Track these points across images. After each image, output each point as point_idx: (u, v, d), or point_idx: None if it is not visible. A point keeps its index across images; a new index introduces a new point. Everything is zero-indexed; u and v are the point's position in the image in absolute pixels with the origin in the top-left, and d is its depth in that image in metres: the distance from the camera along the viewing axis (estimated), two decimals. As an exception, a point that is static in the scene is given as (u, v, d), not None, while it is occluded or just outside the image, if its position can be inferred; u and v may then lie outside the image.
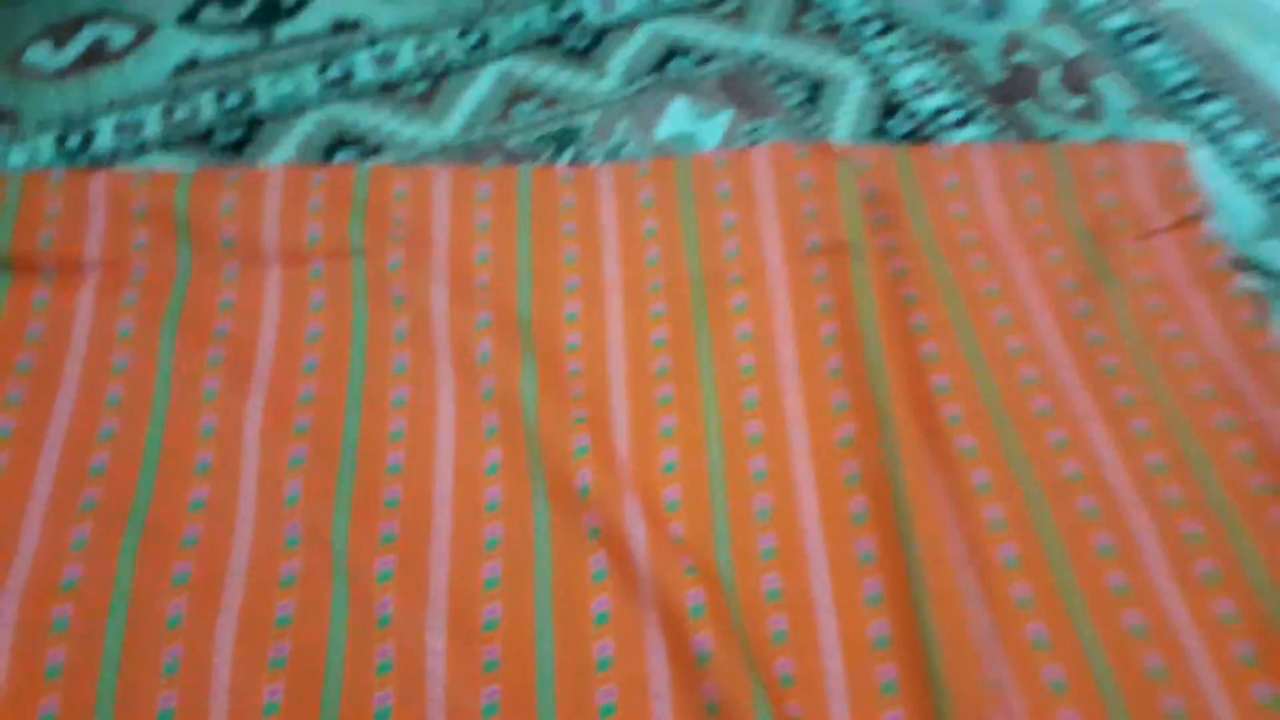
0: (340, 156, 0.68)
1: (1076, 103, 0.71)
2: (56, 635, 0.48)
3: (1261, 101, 0.70)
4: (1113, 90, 0.71)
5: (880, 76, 0.73)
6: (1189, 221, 0.63)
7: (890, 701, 0.47)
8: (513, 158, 0.68)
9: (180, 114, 0.70)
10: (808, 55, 0.74)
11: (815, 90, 0.72)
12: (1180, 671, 0.48)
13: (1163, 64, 0.73)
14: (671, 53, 0.74)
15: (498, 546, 0.51)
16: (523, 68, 0.73)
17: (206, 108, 0.70)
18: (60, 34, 0.73)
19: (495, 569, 0.51)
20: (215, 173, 0.64)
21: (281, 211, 0.62)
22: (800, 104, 0.71)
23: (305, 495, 0.52)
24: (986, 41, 0.74)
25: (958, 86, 0.72)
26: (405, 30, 0.75)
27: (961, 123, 0.70)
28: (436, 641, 0.48)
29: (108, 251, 0.60)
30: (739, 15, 0.77)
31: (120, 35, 0.74)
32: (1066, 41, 0.74)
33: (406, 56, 0.73)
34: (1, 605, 0.49)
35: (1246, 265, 0.61)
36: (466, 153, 0.68)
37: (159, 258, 0.60)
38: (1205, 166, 0.66)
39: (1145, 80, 0.72)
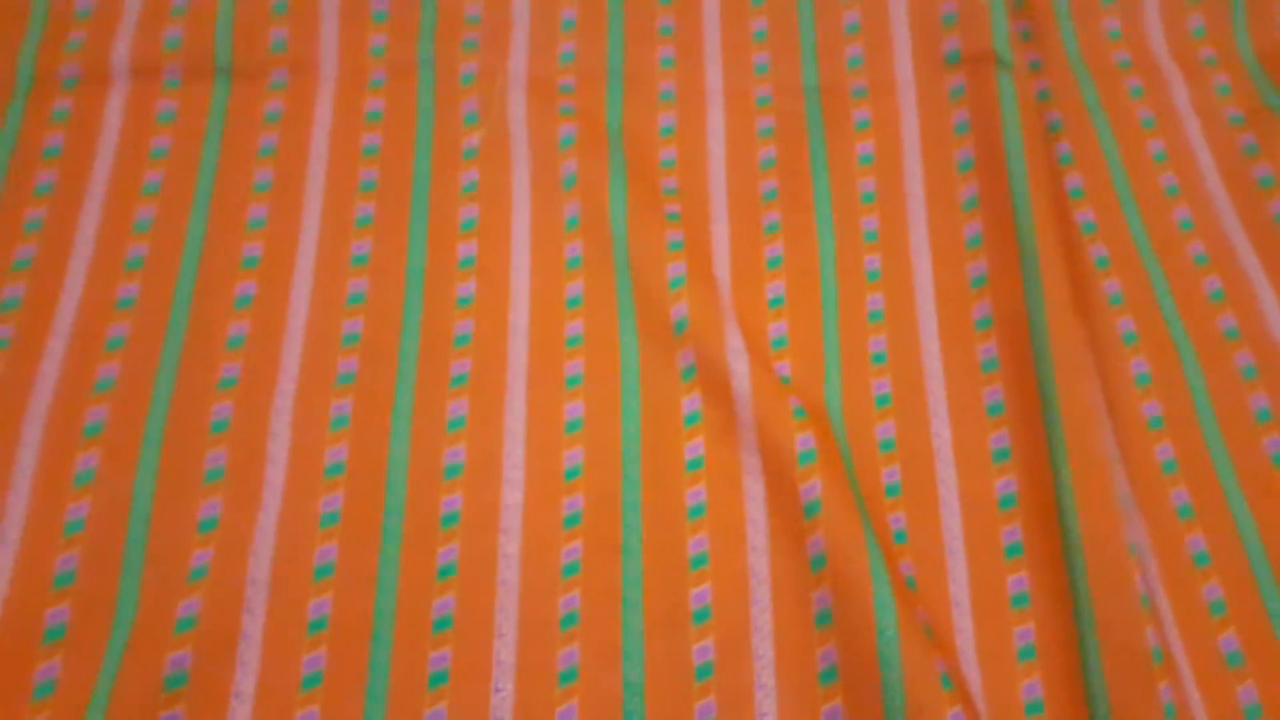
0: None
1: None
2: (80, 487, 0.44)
3: None
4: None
5: None
6: (1380, 53, 0.55)
7: (1016, 564, 0.43)
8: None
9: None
10: None
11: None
12: None
13: None
14: None
15: (579, 384, 0.46)
16: None
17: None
18: None
19: (577, 409, 0.46)
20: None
21: (341, 9, 0.55)
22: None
23: (365, 334, 0.47)
24: None
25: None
26: None
27: (1119, -74, 0.61)
28: (512, 495, 0.44)
29: (138, 52, 0.53)
30: None
31: None
32: None
33: None
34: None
35: None
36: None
37: (196, 59, 0.53)
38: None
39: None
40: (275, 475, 0.43)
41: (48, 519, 0.42)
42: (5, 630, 0.40)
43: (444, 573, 0.42)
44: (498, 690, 0.40)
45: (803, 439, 0.44)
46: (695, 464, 0.45)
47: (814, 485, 0.43)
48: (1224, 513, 0.44)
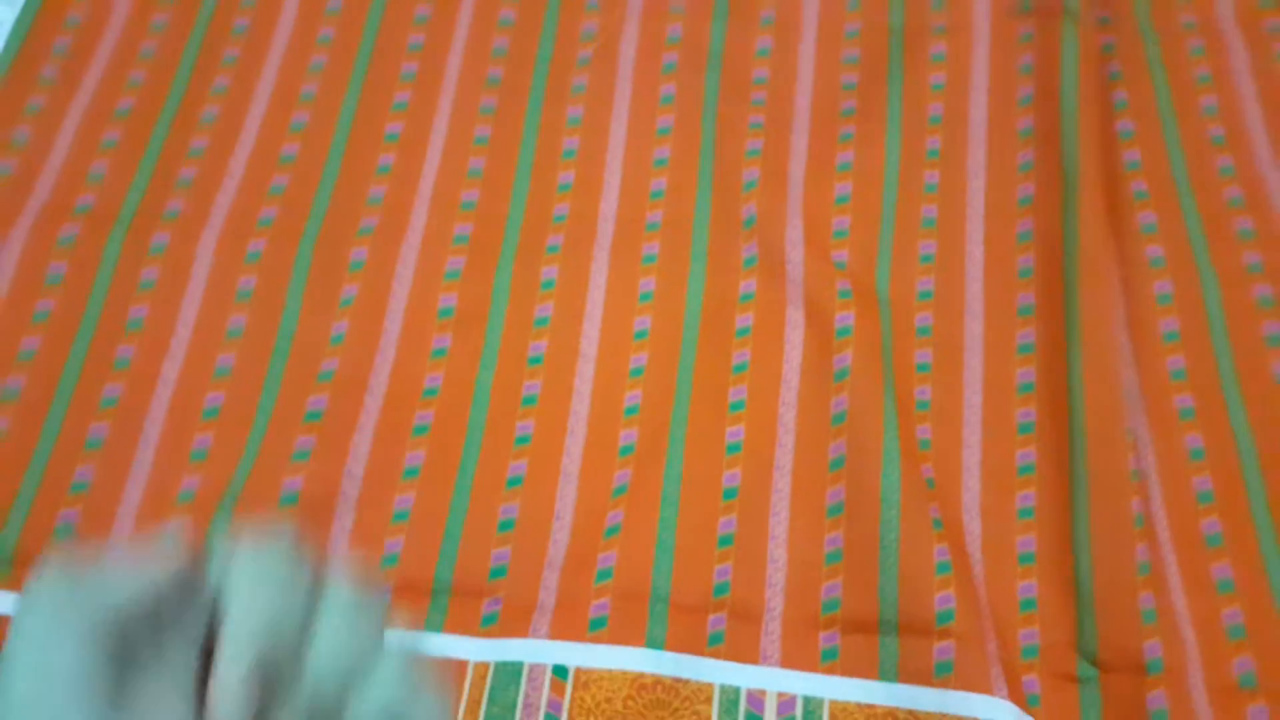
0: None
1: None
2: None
3: None
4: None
5: None
6: None
7: (1026, 439, 0.49)
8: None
9: None
10: None
11: None
12: None
13: None
14: None
15: (654, 263, 0.53)
16: None
17: None
18: None
19: (650, 284, 0.53)
20: None
21: None
22: None
23: (480, 203, 0.55)
24: None
25: None
26: None
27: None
28: (589, 348, 0.51)
29: None
30: None
31: None
32: None
33: None
34: None
35: None
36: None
37: None
38: None
39: None
40: (396, 307, 0.52)
41: (213, 326, 0.51)
42: (173, 410, 0.49)
43: (527, 401, 0.50)
44: (562, 498, 0.48)
45: (842, 317, 0.50)
46: (744, 331, 0.51)
47: (846, 355, 0.49)
48: (1223, 419, 0.49)
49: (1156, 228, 0.53)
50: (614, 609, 0.44)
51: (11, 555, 0.46)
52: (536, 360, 0.51)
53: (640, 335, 0.52)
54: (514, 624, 0.44)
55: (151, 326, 0.51)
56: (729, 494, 0.47)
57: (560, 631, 0.44)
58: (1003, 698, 0.42)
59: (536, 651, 0.43)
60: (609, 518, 0.47)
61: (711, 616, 0.44)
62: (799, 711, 0.42)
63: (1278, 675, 0.43)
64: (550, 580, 0.45)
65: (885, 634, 0.43)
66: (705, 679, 0.43)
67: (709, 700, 0.42)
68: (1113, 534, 0.45)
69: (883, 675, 0.43)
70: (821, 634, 0.44)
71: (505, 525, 0.47)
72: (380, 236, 0.54)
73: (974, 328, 0.52)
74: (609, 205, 0.55)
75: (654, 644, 0.43)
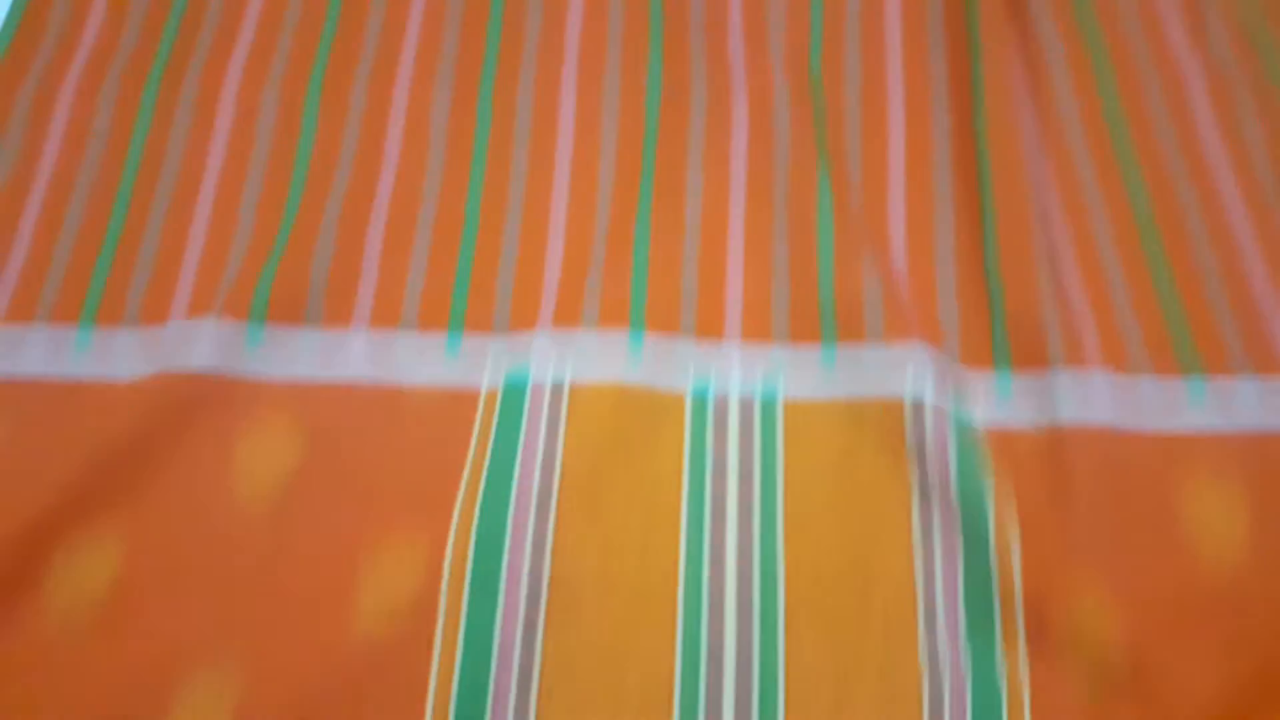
0: None
1: None
2: None
3: None
4: None
5: None
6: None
7: (944, 195, 0.57)
8: None
9: None
10: None
11: None
12: (1213, 206, 0.57)
13: None
14: None
15: (617, 74, 0.62)
16: None
17: None
18: None
19: (614, 88, 0.62)
20: None
21: None
22: None
23: (454, 94, 0.63)
24: None
25: None
26: None
27: None
28: (565, 141, 0.60)
29: None
30: None
31: None
32: None
33: None
34: None
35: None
36: None
37: None
38: None
39: None
40: (395, 129, 0.60)
41: (240, 154, 0.60)
42: (213, 219, 0.58)
43: (514, 180, 0.59)
44: (551, 247, 0.57)
45: (780, 94, 0.60)
46: (697, 113, 0.60)
47: (784, 127, 0.59)
48: (1114, 163, 0.58)
49: (1059, 37, 0.62)
50: (602, 310, 0.53)
51: (93, 320, 0.55)
52: (520, 152, 0.60)
53: (608, 128, 0.61)
54: (521, 325, 0.54)
55: (188, 158, 0.60)
56: (691, 232, 0.56)
57: (559, 324, 0.53)
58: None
59: (542, 356, 0.52)
60: (592, 255, 0.56)
61: (681, 316, 0.54)
62: (757, 414, 0.51)
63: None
64: (547, 306, 0.54)
65: (825, 327, 0.53)
66: (678, 371, 0.52)
67: (682, 402, 0.51)
68: (1019, 262, 0.54)
69: (824, 343, 0.53)
70: (773, 326, 0.53)
71: (505, 268, 0.56)
72: (374, 79, 0.62)
73: (895, 114, 0.60)
74: (572, 38, 0.64)
75: (636, 329, 0.53)
